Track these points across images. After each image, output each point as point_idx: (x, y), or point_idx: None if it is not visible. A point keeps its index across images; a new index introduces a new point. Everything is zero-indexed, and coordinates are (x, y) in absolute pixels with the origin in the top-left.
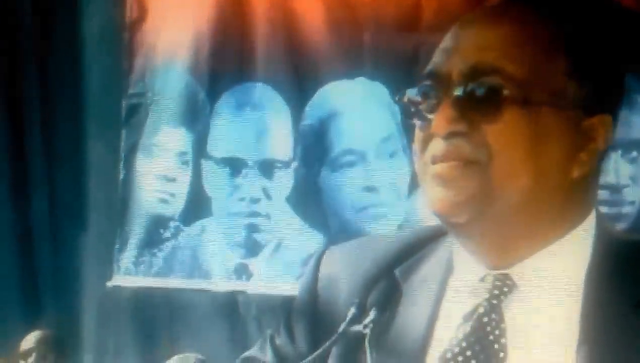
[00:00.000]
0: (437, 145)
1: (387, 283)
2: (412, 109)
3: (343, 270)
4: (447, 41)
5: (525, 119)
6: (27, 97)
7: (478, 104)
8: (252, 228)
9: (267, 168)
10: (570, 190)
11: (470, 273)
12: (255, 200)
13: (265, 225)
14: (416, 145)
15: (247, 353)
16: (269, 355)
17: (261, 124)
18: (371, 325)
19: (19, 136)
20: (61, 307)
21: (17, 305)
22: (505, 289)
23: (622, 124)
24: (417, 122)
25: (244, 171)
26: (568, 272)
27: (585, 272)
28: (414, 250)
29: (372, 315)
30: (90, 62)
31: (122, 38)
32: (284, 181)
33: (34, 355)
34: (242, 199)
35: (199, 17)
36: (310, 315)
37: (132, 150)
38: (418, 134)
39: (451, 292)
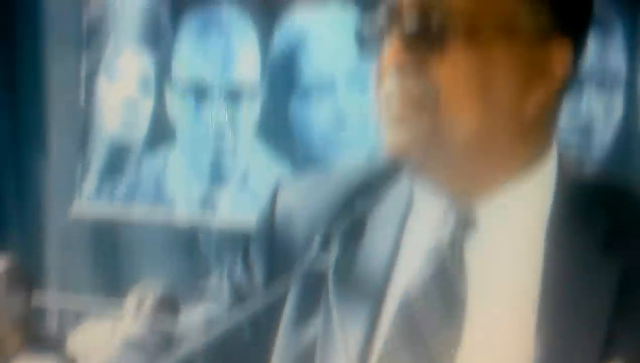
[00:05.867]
0: (389, 81)
1: (350, 219)
2: (368, 41)
3: (301, 205)
4: None
5: (470, 54)
6: None
7: (423, 38)
8: (218, 157)
9: (233, 96)
10: (525, 128)
11: (432, 210)
12: (221, 128)
13: (231, 155)
14: (373, 81)
15: (203, 286)
16: (226, 290)
17: (227, 50)
18: (335, 261)
19: None
20: (24, 234)
21: None
22: (468, 226)
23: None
24: (374, 56)
25: (209, 98)
26: (530, 214)
27: (547, 215)
28: (375, 185)
29: (336, 251)
30: None
31: None
32: (251, 110)
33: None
34: (207, 127)
35: None
36: (267, 252)
37: (93, 73)
38: (374, 69)
39: (412, 228)
